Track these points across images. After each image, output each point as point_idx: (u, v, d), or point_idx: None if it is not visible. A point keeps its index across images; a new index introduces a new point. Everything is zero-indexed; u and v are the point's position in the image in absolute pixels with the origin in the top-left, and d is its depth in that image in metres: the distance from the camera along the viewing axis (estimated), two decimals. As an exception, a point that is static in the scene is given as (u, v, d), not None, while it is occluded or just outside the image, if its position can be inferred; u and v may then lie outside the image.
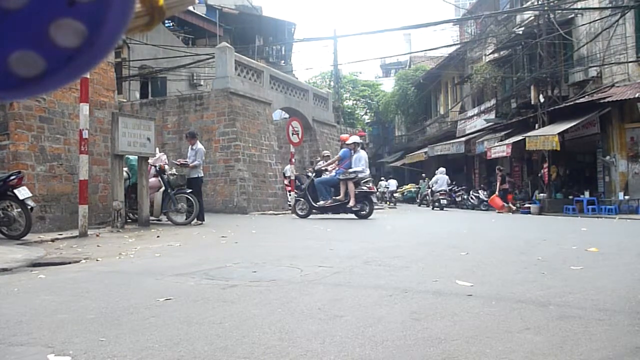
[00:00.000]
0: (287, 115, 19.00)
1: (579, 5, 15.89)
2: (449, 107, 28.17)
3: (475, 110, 23.64)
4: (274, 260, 4.72)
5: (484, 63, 22.04)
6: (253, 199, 14.30)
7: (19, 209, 6.67)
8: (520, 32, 18.17)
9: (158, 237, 7.29)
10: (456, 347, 2.17)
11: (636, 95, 13.36)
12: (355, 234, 8.15)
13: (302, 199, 11.69)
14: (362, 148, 11.98)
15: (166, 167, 9.50)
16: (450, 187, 21.94)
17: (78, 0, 0.47)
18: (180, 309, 2.89)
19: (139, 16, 0.56)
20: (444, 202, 19.41)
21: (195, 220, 9.34)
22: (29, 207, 6.68)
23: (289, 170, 14.95)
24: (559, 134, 14.97)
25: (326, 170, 11.85)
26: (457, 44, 24.77)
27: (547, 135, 15.17)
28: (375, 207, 20.41)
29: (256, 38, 27.42)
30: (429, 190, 21.46)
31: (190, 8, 20.98)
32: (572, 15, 17.02)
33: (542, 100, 16.83)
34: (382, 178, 29.73)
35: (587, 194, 15.61)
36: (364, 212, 11.17)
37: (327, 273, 4.00)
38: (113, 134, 8.45)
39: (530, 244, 6.17)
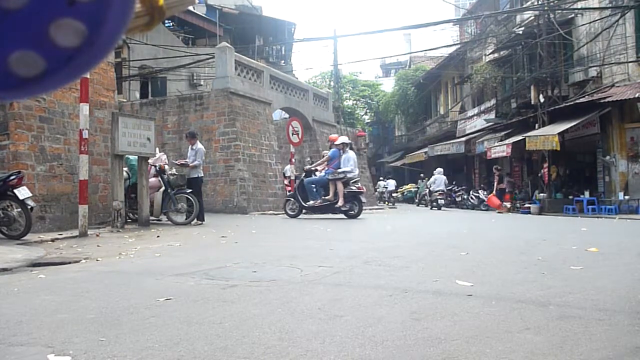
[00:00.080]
0: (287, 115, 19.00)
1: (579, 5, 15.90)
2: (449, 107, 28.17)
3: (475, 110, 23.65)
4: (274, 260, 4.72)
5: (484, 63, 22.05)
6: (253, 199, 14.29)
7: (19, 209, 6.67)
8: (520, 32, 18.18)
9: (158, 237, 7.29)
10: (456, 347, 2.17)
11: (636, 95, 13.37)
12: (355, 234, 8.15)
13: (292, 199, 11.77)
14: (351, 148, 12.06)
15: (166, 167, 9.50)
16: (450, 187, 22.06)
17: (78, 0, 0.47)
18: (180, 309, 2.89)
19: (139, 16, 0.56)
20: (442, 202, 19.57)
21: (195, 220, 9.34)
22: (29, 207, 6.68)
23: (289, 170, 14.95)
24: (559, 134, 14.98)
25: (316, 170, 11.91)
26: (457, 44, 24.78)
27: (547, 135, 15.18)
28: (375, 207, 20.59)
29: (256, 38, 27.42)
30: (427, 190, 21.53)
31: (190, 8, 20.98)
32: (572, 15, 17.03)
33: (542, 100, 16.83)
34: (381, 178, 29.73)
35: (587, 194, 15.62)
36: (353, 212, 11.24)
37: (327, 273, 4.00)
38: (113, 134, 8.45)
39: (530, 244, 6.17)
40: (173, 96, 16.11)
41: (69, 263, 4.90)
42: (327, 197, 11.21)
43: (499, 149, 18.12)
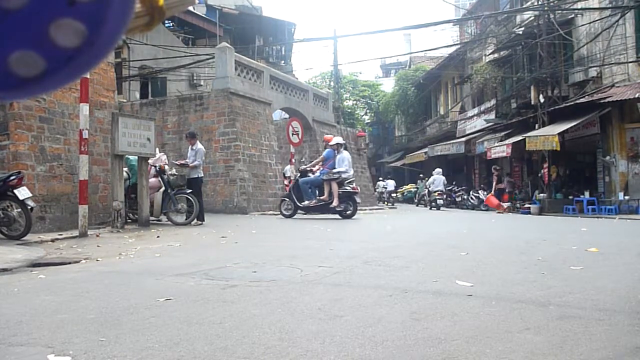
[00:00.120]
0: (287, 115, 19.00)
1: (579, 5, 15.90)
2: (449, 107, 28.17)
3: (475, 111, 23.65)
4: (274, 260, 4.72)
5: (484, 63, 22.05)
6: (253, 199, 14.30)
7: (19, 209, 6.67)
8: (520, 32, 18.17)
9: (158, 237, 7.29)
10: (456, 347, 2.17)
11: (636, 95, 13.37)
12: (355, 234, 8.16)
13: (287, 199, 11.81)
14: (345, 148, 12.10)
15: (166, 167, 9.50)
16: (450, 188, 22.12)
17: (78, 0, 0.47)
18: (180, 309, 2.89)
19: (139, 16, 0.56)
20: (441, 202, 19.65)
21: (195, 220, 9.34)
22: (29, 207, 6.68)
23: (289, 170, 14.94)
24: (559, 134, 14.98)
25: (311, 170, 11.94)
26: (457, 44, 24.77)
27: (547, 136, 15.18)
28: (375, 207, 20.60)
29: (256, 38, 27.42)
30: (427, 190, 21.58)
31: (190, 8, 20.98)
32: (572, 16, 17.03)
33: (542, 100, 16.84)
34: (380, 178, 29.74)
35: (587, 194, 15.61)
36: (348, 212, 11.28)
37: (327, 273, 4.00)
38: (113, 134, 8.45)
39: (530, 244, 6.17)
40: (173, 96, 16.11)
41: (69, 263, 4.90)
42: (321, 198, 11.26)
43: (499, 149, 18.13)
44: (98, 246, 6.14)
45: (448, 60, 26.17)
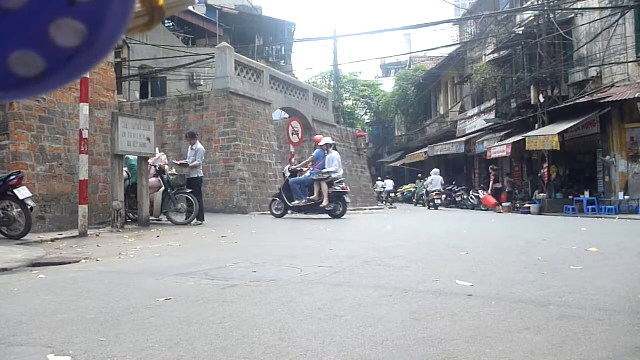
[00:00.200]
0: (287, 115, 19.00)
1: (579, 5, 15.90)
2: (449, 107, 28.17)
3: (475, 110, 23.65)
4: (274, 260, 4.72)
5: (484, 63, 22.05)
6: (253, 199, 14.29)
7: (19, 209, 6.67)
8: (520, 32, 18.17)
9: (158, 237, 7.29)
10: (456, 347, 2.17)
11: (636, 95, 13.37)
12: (355, 234, 8.16)
13: (277, 199, 11.86)
14: (335, 149, 12.19)
15: (166, 167, 9.50)
16: (450, 188, 22.16)
17: (78, 0, 0.47)
18: (180, 309, 2.89)
19: (139, 16, 0.56)
20: (438, 202, 19.78)
21: (195, 220, 9.34)
22: (29, 207, 6.68)
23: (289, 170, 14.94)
24: (559, 134, 14.98)
25: (301, 170, 11.99)
26: (457, 44, 24.77)
27: (547, 136, 15.18)
28: (375, 207, 20.60)
29: (256, 38, 27.41)
30: (425, 190, 21.68)
31: (190, 8, 20.98)
32: (572, 16, 17.03)
33: (542, 100, 16.84)
34: (379, 178, 29.76)
35: (587, 194, 15.62)
36: (338, 212, 11.34)
37: (327, 273, 4.00)
38: (113, 134, 8.45)
39: (530, 244, 6.17)
40: (173, 96, 16.11)
41: (69, 263, 4.90)
42: (311, 197, 11.34)
43: (499, 149, 18.13)
44: (98, 246, 6.14)
45: (448, 60, 26.17)
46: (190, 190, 9.46)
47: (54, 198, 8.13)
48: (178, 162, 10.10)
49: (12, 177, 6.61)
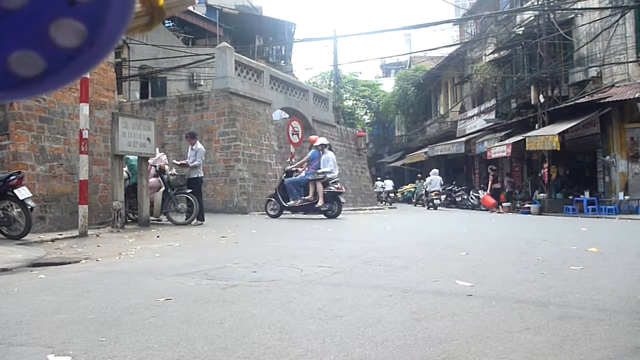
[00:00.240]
0: (287, 115, 18.99)
1: (579, 5, 15.90)
2: (449, 107, 28.17)
3: (475, 110, 23.65)
4: (274, 260, 4.72)
5: (484, 63, 22.05)
6: (253, 199, 14.29)
7: (19, 209, 6.67)
8: (520, 32, 18.17)
9: (158, 237, 7.29)
10: (456, 347, 2.17)
11: (636, 95, 13.37)
12: (355, 234, 8.16)
13: (273, 199, 11.88)
14: (330, 149, 12.22)
15: (166, 167, 9.50)
16: (450, 188, 22.20)
17: (78, 0, 0.47)
18: (180, 309, 2.89)
19: (139, 16, 0.56)
20: (437, 202, 19.90)
21: (195, 220, 9.34)
22: (29, 207, 6.68)
23: (289, 170, 14.95)
24: (559, 134, 14.98)
25: (296, 170, 12.02)
26: (457, 44, 24.77)
27: (547, 135, 15.18)
28: (375, 207, 20.60)
29: (256, 38, 27.41)
30: (424, 190, 21.74)
31: (190, 8, 20.98)
32: (572, 15, 17.03)
33: (542, 100, 16.83)
34: (379, 178, 29.77)
35: (587, 194, 15.62)
36: (333, 212, 11.37)
37: (327, 273, 4.00)
38: (113, 134, 8.45)
39: (530, 244, 6.17)
40: (173, 96, 16.10)
41: (69, 263, 4.90)
42: (307, 197, 11.36)
43: (499, 149, 18.13)
44: (98, 246, 6.14)
45: (448, 60, 26.17)
46: (190, 190, 9.46)
47: (54, 198, 8.13)
48: (178, 162, 10.10)
49: (12, 177, 6.61)
